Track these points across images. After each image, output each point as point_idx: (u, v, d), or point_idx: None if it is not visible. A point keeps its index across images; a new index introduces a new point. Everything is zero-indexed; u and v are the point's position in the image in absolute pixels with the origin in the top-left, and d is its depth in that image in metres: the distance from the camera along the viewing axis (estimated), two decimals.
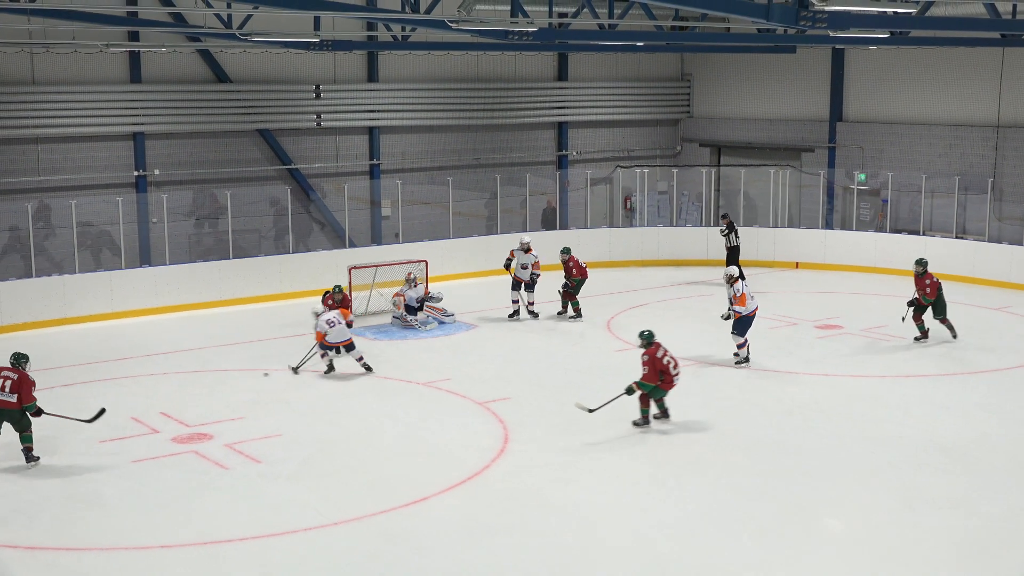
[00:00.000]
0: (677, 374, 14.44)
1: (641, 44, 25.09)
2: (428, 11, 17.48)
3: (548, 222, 29.06)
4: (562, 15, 22.62)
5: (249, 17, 19.90)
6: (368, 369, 17.60)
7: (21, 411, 13.44)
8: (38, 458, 13.57)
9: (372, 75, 28.31)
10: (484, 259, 24.93)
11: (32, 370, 14.02)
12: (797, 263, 27.19)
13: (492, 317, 21.48)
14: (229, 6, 19.25)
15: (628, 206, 31.18)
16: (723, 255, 25.19)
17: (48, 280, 21.73)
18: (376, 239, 27.50)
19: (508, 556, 10.77)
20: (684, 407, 15.56)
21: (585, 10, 20.18)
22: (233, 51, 25.65)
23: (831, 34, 20.29)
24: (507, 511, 11.95)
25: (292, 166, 27.31)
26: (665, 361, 14.25)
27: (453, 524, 11.54)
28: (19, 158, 23.97)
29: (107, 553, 11.01)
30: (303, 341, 18.55)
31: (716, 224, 27.30)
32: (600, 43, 24.92)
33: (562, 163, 31.64)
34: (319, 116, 27.61)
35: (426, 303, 21.19)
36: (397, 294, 21.21)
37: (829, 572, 10.49)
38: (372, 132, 28.51)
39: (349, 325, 17.85)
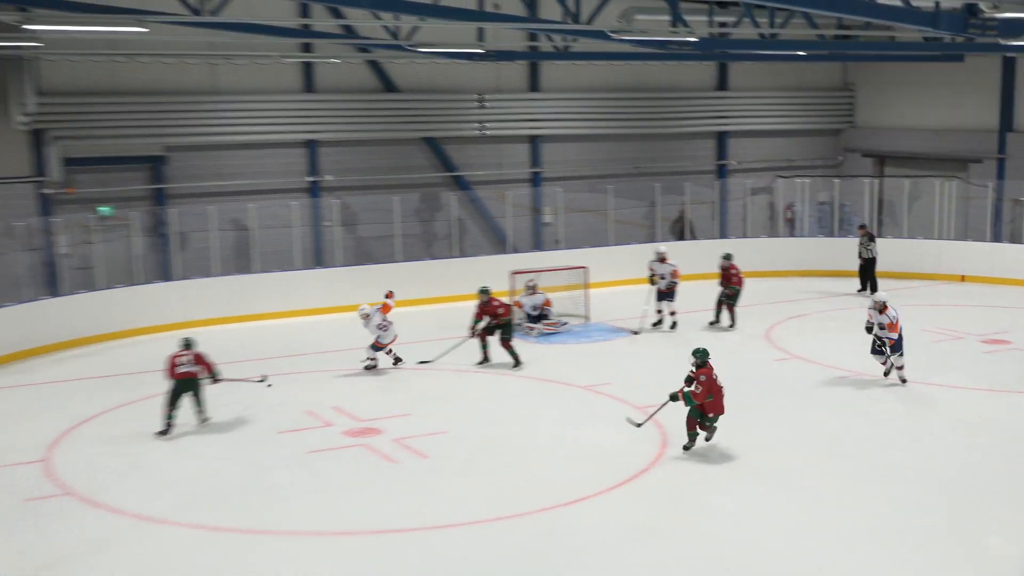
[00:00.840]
0: (723, 397, 13.72)
1: (803, 53, 24.76)
2: (589, 21, 17.58)
3: (679, 232, 28.80)
4: (722, 24, 22.51)
5: (416, 29, 20.37)
6: (398, 360, 18.47)
7: (197, 380, 15.00)
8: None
9: (534, 85, 28.65)
10: (643, 267, 24.87)
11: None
12: (963, 276, 26.41)
13: (649, 325, 21.48)
14: (397, 18, 19.75)
15: (788, 216, 30.76)
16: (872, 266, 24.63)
17: (229, 280, 22.64)
18: (538, 245, 27.79)
19: (666, 557, 10.80)
20: (846, 418, 15.43)
21: (746, 19, 20.02)
22: (400, 61, 26.25)
23: (1002, 42, 19.72)
24: (666, 513, 12.00)
25: (456, 173, 27.80)
26: (720, 383, 13.64)
27: (613, 524, 11.63)
28: (202, 163, 25.03)
29: (285, 537, 11.44)
30: (468, 343, 18.95)
31: (880, 236, 26.76)
32: (761, 52, 24.74)
33: (722, 172, 31.42)
34: (483, 125, 28.03)
35: (541, 320, 21.19)
36: (515, 303, 21.16)
37: None
38: (534, 141, 28.85)
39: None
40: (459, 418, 15.60)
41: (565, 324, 21.43)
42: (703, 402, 13.44)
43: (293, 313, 22.60)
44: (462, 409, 16.15)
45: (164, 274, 23.28)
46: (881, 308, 16.75)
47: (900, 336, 16.71)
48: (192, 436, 14.86)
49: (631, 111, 29.85)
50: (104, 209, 23.30)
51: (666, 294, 21.17)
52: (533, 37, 25.73)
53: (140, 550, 11.22)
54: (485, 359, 18.74)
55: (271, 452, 14.19)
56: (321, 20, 23.67)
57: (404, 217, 25.14)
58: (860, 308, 22.83)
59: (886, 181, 30.67)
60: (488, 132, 28.17)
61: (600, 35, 18.43)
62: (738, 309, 21.38)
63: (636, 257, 25.51)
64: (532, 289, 21.28)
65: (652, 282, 21.29)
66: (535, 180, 28.92)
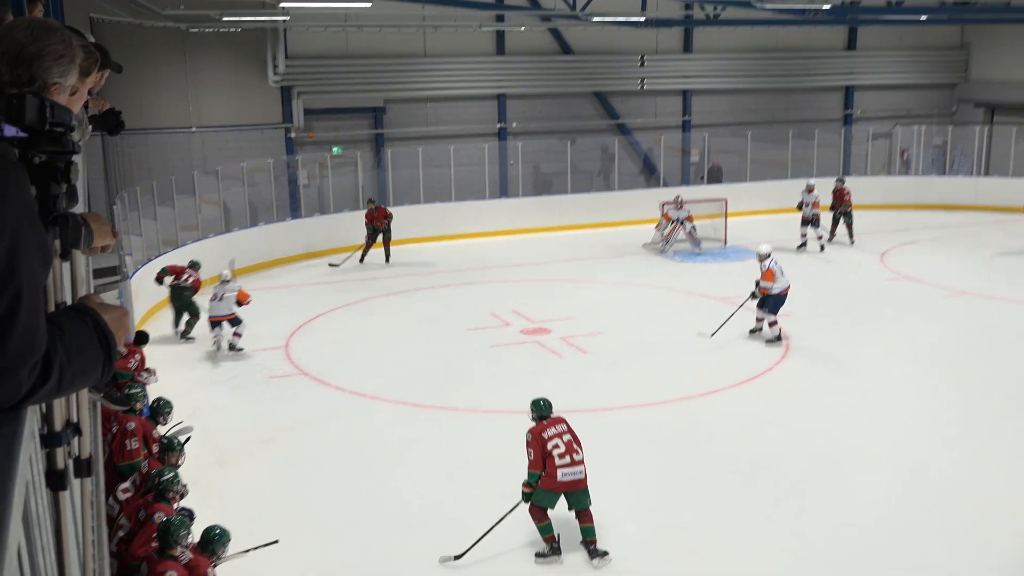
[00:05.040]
0: (567, 464, 7.82)
1: (924, 17, 23.14)
2: None
3: (713, 177, 27.32)
4: None
5: (590, 1, 19.87)
6: (232, 348, 13.89)
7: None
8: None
9: (687, 47, 27.66)
10: (775, 200, 24.07)
11: (416, 275, 14.99)
12: None
13: (782, 247, 20.58)
14: None
15: (904, 158, 29.11)
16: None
17: (432, 206, 22.83)
18: (685, 181, 27.08)
19: (783, 444, 10.44)
20: (947, 330, 14.54)
21: None
22: (576, 28, 25.68)
23: None
24: (784, 407, 11.59)
25: (620, 121, 27.25)
26: (551, 445, 7.87)
27: (738, 414, 11.32)
28: (414, 113, 25.17)
29: (470, 413, 11.57)
30: (623, 261, 18.64)
31: (986, 174, 25.00)
32: (887, 17, 23.20)
33: (847, 121, 29.87)
34: (643, 81, 27.31)
35: (689, 232, 20.47)
36: (664, 214, 20.56)
37: None
38: (685, 94, 27.95)
39: (239, 303, 13.81)
40: (614, 322, 15.36)
41: (700, 244, 20.68)
42: (540, 471, 7.88)
43: (482, 234, 22.66)
44: (617, 315, 15.90)
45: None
46: (759, 258, 14.07)
47: (778, 295, 13.90)
48: (398, 331, 15.04)
49: (769, 68, 28.54)
50: (336, 149, 23.70)
51: (810, 220, 20.32)
52: (688, 6, 24.85)
53: (356, 419, 11.49)
54: (365, 254, 19.77)
55: (461, 345, 14.28)
56: None
57: (575, 157, 24.84)
58: (965, 236, 21.59)
59: (995, 128, 28.59)
60: (647, 87, 27.41)
61: (745, 4, 17.69)
62: (856, 237, 20.41)
63: (769, 192, 24.75)
64: (679, 204, 20.59)
65: (799, 208, 20.45)
66: (685, 127, 28.06)
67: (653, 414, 11.36)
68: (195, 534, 6.50)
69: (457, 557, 8.02)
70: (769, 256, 13.94)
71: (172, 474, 6.97)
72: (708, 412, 11.39)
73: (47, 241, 1.67)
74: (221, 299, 13.69)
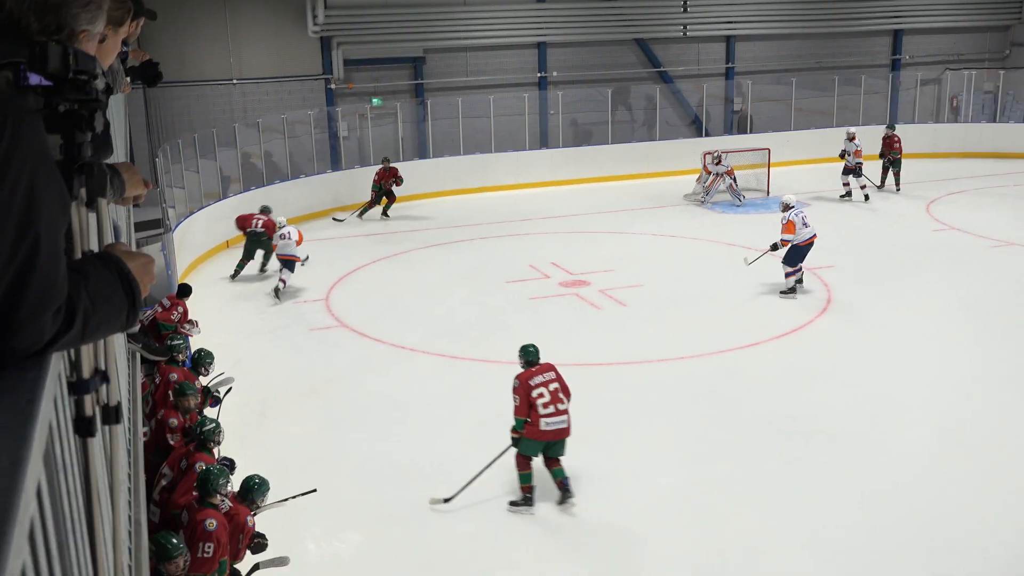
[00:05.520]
0: (550, 414, 7.88)
1: None
2: None
3: (741, 127, 26.78)
4: None
5: None
6: (276, 292, 14.46)
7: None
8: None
9: None
10: (820, 149, 23.64)
11: (457, 226, 14.92)
12: None
13: (825, 197, 20.41)
14: None
15: (954, 104, 28.40)
16: None
17: (472, 158, 22.74)
18: (728, 130, 26.70)
19: (826, 397, 10.35)
20: (992, 281, 14.28)
21: None
22: None
23: None
24: (825, 360, 11.50)
25: (661, 69, 26.85)
26: (536, 394, 7.90)
27: (779, 367, 11.26)
28: (453, 63, 24.96)
29: (509, 366, 11.43)
30: (663, 212, 18.48)
31: None
32: None
33: (895, 66, 29.16)
34: (685, 27, 26.82)
35: (728, 184, 20.32)
36: (705, 168, 20.53)
37: None
38: (728, 40, 27.41)
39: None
40: (653, 274, 15.28)
41: (743, 198, 20.48)
42: (526, 418, 7.89)
43: (522, 185, 22.59)
44: (656, 267, 15.81)
45: (421, 152, 23.58)
46: (782, 208, 13.97)
47: (797, 246, 13.70)
48: (437, 283, 15.09)
49: (815, 12, 27.87)
50: (376, 100, 23.65)
51: (852, 169, 20.02)
52: None
53: (396, 371, 11.57)
54: (365, 211, 19.67)
55: (500, 297, 14.30)
56: None
57: (616, 106, 24.57)
58: (1016, 186, 21.10)
59: None
60: (689, 33, 26.93)
61: None
62: (903, 186, 20.06)
63: (814, 140, 24.32)
64: (718, 160, 20.40)
65: (842, 157, 20.19)
66: (728, 74, 27.57)
67: (692, 367, 11.33)
68: (235, 483, 6.62)
69: (447, 500, 8.17)
70: (791, 207, 13.74)
71: (213, 424, 7.08)
72: (748, 365, 11.33)
73: (64, 188, 1.68)
74: (287, 238, 14.48)
